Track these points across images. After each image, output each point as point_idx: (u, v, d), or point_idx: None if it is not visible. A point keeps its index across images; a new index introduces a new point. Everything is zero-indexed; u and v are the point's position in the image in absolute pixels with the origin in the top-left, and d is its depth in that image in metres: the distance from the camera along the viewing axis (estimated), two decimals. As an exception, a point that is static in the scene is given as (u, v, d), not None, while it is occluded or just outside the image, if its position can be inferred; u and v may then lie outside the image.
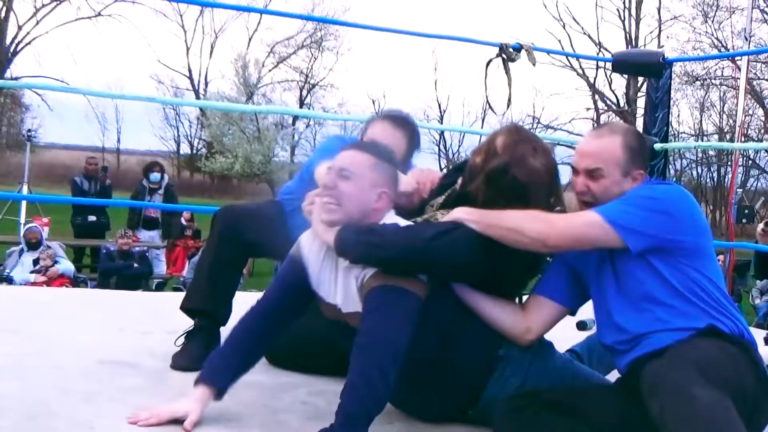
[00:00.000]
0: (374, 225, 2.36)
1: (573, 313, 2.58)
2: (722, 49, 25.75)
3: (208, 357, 2.50)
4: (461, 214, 2.40)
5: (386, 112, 3.15)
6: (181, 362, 2.88)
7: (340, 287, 2.40)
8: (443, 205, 2.59)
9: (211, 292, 3.00)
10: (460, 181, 2.57)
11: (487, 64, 4.31)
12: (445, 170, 2.75)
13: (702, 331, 2.21)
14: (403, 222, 2.44)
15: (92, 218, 11.82)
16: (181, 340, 2.99)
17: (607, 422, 2.21)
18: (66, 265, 9.84)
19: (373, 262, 2.29)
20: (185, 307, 3.05)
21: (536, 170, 2.40)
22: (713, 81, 28.42)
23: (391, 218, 2.44)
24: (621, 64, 5.05)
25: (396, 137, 3.00)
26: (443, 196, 2.63)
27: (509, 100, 4.34)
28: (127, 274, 10.11)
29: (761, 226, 5.00)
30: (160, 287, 11.05)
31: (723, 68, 27.11)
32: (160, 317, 3.73)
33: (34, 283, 9.06)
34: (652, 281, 2.29)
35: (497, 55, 4.31)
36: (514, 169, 2.38)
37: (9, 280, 9.19)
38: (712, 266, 2.36)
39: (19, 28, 32.48)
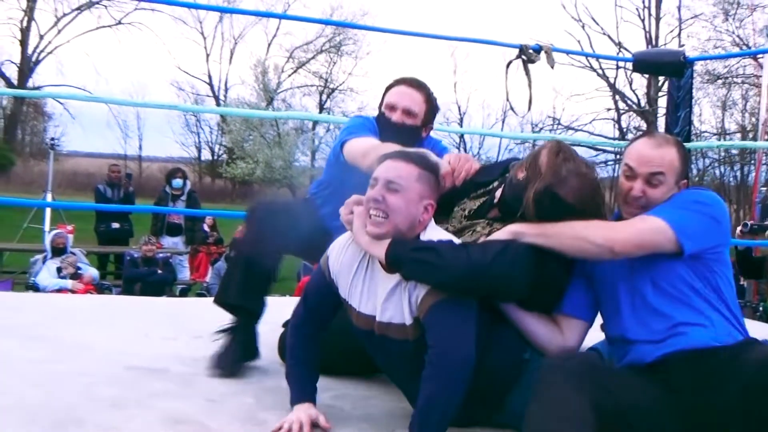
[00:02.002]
0: (429, 243, 2.35)
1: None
2: (744, 47, 25.49)
3: (288, 378, 2.55)
4: (519, 228, 2.40)
5: (399, 77, 3.14)
6: (220, 366, 2.87)
7: (381, 298, 2.39)
8: (476, 214, 2.60)
9: (251, 287, 2.97)
10: (498, 193, 2.57)
11: (508, 66, 4.30)
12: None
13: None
14: (445, 235, 2.44)
15: (115, 225, 11.90)
16: (218, 337, 2.97)
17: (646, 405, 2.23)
18: (91, 271, 9.94)
19: (429, 281, 2.29)
20: (222, 301, 3.01)
21: (581, 190, 2.42)
22: (735, 79, 28.17)
23: (433, 228, 2.44)
24: (642, 64, 5.03)
25: (415, 98, 3.04)
26: (476, 202, 2.63)
27: (530, 101, 4.34)
28: (152, 280, 10.17)
29: (740, 228, 5.02)
30: (184, 293, 11.11)
31: (745, 66, 26.88)
32: (185, 323, 3.75)
33: (71, 290, 9.14)
34: (681, 285, 2.36)
35: (517, 57, 4.30)
36: (559, 189, 2.39)
37: (35, 288, 9.27)
38: (730, 274, 2.46)
39: (41, 37, 32.78)
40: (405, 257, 2.30)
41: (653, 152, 2.47)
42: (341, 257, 2.51)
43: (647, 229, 2.34)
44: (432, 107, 3.09)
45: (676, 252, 2.32)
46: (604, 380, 2.18)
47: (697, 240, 2.33)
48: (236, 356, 2.92)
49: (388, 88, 3.11)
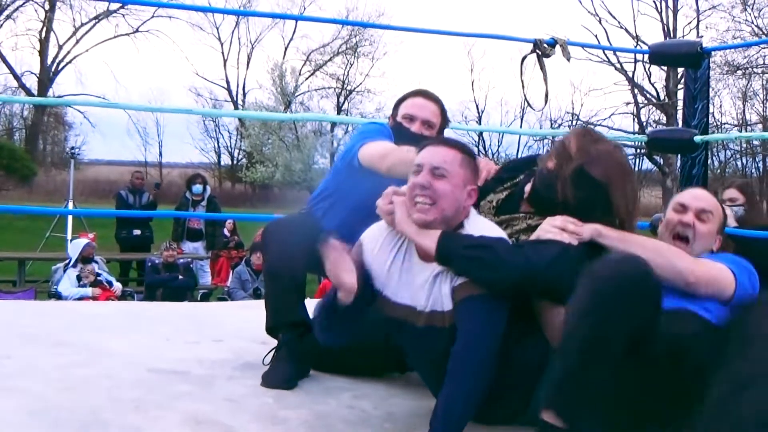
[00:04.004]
0: (483, 239, 2.33)
1: None
2: (763, 37, 25.30)
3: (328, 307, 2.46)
4: (601, 229, 2.41)
5: (413, 90, 3.16)
6: (274, 382, 2.81)
7: (421, 288, 2.38)
8: (505, 207, 2.60)
9: (282, 303, 2.93)
10: (528, 187, 2.58)
11: (522, 61, 4.28)
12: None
13: None
14: (490, 223, 2.44)
15: (137, 232, 11.96)
16: (269, 357, 2.93)
17: None
18: (116, 285, 10.03)
19: (481, 279, 2.28)
20: (266, 329, 2.98)
21: (612, 168, 2.45)
22: (755, 70, 27.94)
23: (476, 216, 2.44)
24: (658, 56, 4.98)
25: (433, 110, 3.06)
26: (503, 194, 2.64)
27: (546, 96, 4.31)
28: (173, 285, 10.21)
29: None
30: (205, 298, 11.15)
31: (765, 56, 26.67)
32: (206, 326, 3.77)
33: (92, 297, 9.20)
34: None
35: (531, 51, 4.27)
36: (591, 169, 2.42)
37: (57, 296, 9.34)
38: None
39: (60, 47, 33.11)
40: (458, 253, 2.29)
41: (703, 193, 2.74)
42: (375, 248, 2.49)
43: (718, 273, 2.43)
44: (445, 119, 3.12)
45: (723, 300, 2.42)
46: None
47: (744, 300, 2.44)
48: (290, 374, 2.85)
49: (402, 99, 3.12)
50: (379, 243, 2.49)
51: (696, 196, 2.70)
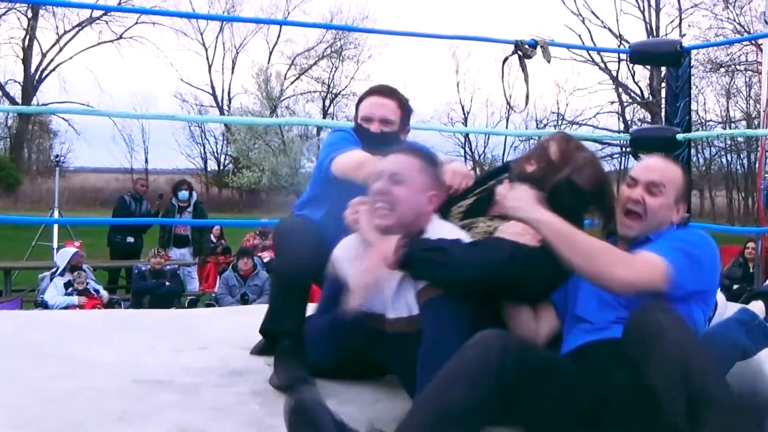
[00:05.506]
0: (439, 242, 2.35)
1: None
2: (744, 34, 25.45)
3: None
4: (547, 217, 2.33)
5: (369, 88, 3.18)
6: (283, 380, 2.77)
7: (389, 296, 2.40)
8: (474, 210, 2.60)
9: (289, 312, 2.89)
10: (502, 188, 2.56)
11: (504, 62, 4.31)
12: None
13: None
14: (453, 228, 2.46)
15: (130, 239, 11.83)
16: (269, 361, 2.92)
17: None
18: (103, 293, 9.99)
19: (439, 281, 2.29)
20: (266, 330, 2.99)
21: (596, 177, 2.47)
22: (738, 67, 28.09)
23: (438, 221, 2.47)
24: (638, 55, 5.02)
25: (389, 106, 3.06)
26: (472, 199, 2.64)
27: (527, 96, 4.34)
28: (160, 292, 10.16)
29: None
30: (192, 304, 11.10)
31: (747, 53, 26.80)
32: (191, 334, 3.75)
33: (78, 305, 9.16)
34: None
35: (513, 53, 4.30)
36: (577, 179, 2.43)
37: (44, 305, 9.28)
38: (707, 312, 2.47)
39: (43, 55, 32.97)
40: (413, 256, 2.30)
41: (657, 163, 2.54)
42: (348, 260, 2.50)
43: (651, 275, 2.25)
44: (406, 111, 3.11)
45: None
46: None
47: (681, 289, 2.30)
48: (296, 372, 2.78)
49: (360, 100, 3.14)
50: (351, 254, 2.51)
51: (647, 168, 2.51)
